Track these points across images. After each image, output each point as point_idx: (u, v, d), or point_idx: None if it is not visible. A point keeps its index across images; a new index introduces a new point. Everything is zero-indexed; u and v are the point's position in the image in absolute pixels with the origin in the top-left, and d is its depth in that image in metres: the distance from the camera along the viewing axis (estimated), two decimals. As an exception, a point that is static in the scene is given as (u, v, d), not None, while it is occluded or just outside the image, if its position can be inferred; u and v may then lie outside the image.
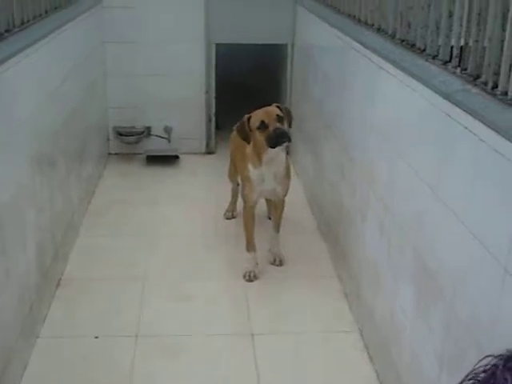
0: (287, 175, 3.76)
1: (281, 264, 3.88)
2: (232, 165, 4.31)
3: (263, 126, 3.46)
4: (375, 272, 2.99)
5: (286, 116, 3.54)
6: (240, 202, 4.11)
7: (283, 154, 3.65)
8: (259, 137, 3.50)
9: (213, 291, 3.62)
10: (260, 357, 3.06)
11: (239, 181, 4.11)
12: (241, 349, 3.14)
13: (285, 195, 3.82)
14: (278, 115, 3.48)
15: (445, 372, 2.15)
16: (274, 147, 3.46)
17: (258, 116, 3.51)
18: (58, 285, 3.59)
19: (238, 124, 3.62)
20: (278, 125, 3.45)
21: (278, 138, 3.43)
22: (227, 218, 4.49)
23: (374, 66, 3.00)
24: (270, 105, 3.59)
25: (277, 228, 3.93)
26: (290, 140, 3.51)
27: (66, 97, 3.96)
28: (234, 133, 3.83)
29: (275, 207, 3.93)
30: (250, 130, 3.53)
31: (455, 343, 2.08)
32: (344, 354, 3.11)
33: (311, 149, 4.69)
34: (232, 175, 4.38)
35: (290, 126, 3.59)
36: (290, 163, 3.85)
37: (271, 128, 3.44)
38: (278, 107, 3.55)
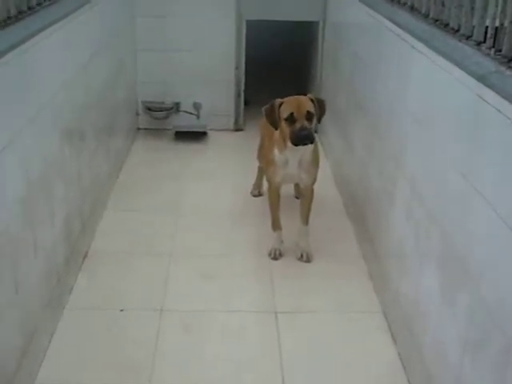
0: (314, 162, 3.62)
1: (308, 260, 3.69)
2: (261, 146, 4.16)
3: (291, 119, 3.35)
4: (401, 254, 2.97)
5: (317, 109, 3.42)
6: (265, 181, 4.09)
7: None
8: (285, 128, 3.40)
9: (238, 268, 3.63)
10: (283, 335, 3.07)
11: None
12: (264, 326, 3.15)
13: (312, 183, 3.69)
14: (308, 111, 3.36)
15: (467, 357, 2.14)
16: (296, 145, 3.40)
17: (288, 106, 3.38)
18: (84, 257, 3.64)
19: (267, 106, 3.48)
20: (306, 123, 3.34)
21: (301, 139, 3.35)
22: (254, 196, 4.49)
23: (407, 45, 2.96)
24: (300, 90, 3.44)
25: (305, 220, 3.75)
26: (312, 142, 3.43)
27: (96, 71, 3.98)
28: None
29: (303, 195, 3.81)
30: (279, 117, 3.41)
31: (479, 328, 2.06)
32: (367, 335, 3.11)
33: (340, 127, 4.65)
34: (260, 156, 4.26)
35: (319, 120, 3.48)
36: (319, 148, 3.75)
37: (298, 125, 3.34)
38: (311, 100, 3.42)
